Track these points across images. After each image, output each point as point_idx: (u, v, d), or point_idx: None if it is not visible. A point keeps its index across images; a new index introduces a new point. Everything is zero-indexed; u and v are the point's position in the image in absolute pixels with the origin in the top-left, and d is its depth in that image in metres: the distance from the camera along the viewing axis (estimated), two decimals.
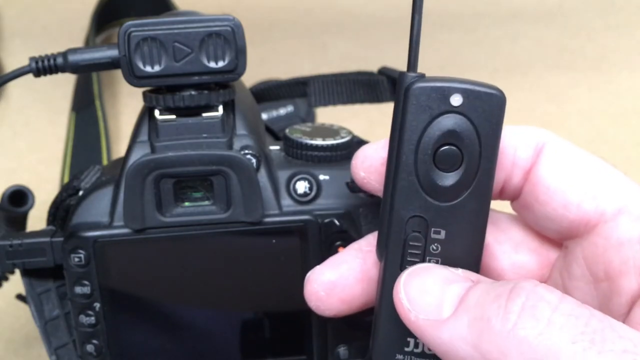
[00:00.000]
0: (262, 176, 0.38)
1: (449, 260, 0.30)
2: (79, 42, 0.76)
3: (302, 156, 0.39)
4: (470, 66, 0.77)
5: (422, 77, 0.29)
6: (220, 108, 0.38)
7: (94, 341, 0.39)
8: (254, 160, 0.37)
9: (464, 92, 0.29)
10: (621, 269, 0.29)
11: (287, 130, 0.41)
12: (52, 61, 0.39)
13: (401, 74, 0.30)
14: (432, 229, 0.30)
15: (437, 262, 0.30)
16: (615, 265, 0.29)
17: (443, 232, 0.30)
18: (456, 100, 0.29)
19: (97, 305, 0.39)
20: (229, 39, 0.36)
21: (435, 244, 0.30)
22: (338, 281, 0.32)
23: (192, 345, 0.40)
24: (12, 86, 0.72)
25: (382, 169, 0.31)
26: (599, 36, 0.81)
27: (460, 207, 0.29)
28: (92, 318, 0.39)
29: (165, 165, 0.36)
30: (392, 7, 0.85)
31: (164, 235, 0.38)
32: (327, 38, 0.79)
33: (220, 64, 0.36)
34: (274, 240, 0.38)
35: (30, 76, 0.40)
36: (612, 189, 0.30)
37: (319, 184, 0.39)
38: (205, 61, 0.36)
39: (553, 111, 0.72)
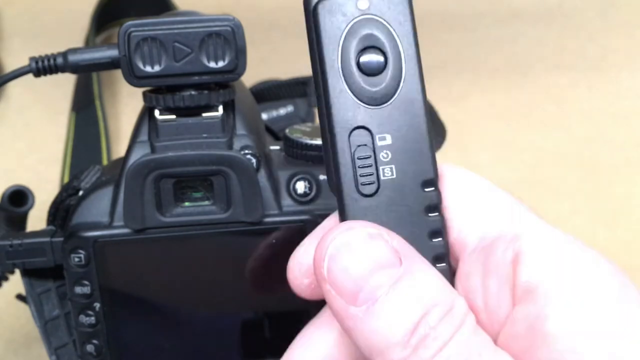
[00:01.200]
0: (262, 176, 0.38)
1: (402, 165, 0.29)
2: (79, 42, 0.76)
3: (302, 156, 0.39)
4: (470, 66, 0.77)
5: None
6: (220, 108, 0.38)
7: (94, 341, 0.39)
8: (254, 160, 0.37)
9: None
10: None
11: (287, 130, 0.41)
12: (52, 61, 0.39)
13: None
14: (377, 137, 0.29)
15: (391, 171, 0.29)
16: (493, 290, 0.28)
17: (389, 137, 0.29)
18: (363, 4, 0.29)
19: (97, 305, 0.39)
20: (229, 39, 0.36)
21: (385, 152, 0.29)
22: None
23: (192, 345, 0.40)
24: (12, 86, 0.72)
25: None
26: (599, 36, 0.81)
27: (397, 106, 0.29)
28: (92, 318, 0.39)
29: (165, 165, 0.37)
30: None
31: (164, 235, 0.38)
32: None
33: (220, 64, 0.37)
34: (274, 240, 0.38)
35: (30, 76, 0.40)
36: (493, 211, 0.30)
37: (318, 184, 0.39)
38: (205, 61, 0.36)
39: (553, 111, 0.72)
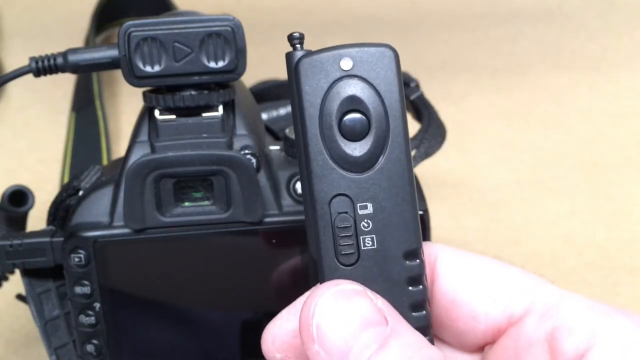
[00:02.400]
0: (262, 176, 0.38)
1: (384, 235, 0.28)
2: (79, 42, 0.76)
3: None
4: (470, 66, 0.77)
5: (309, 52, 0.28)
6: (220, 108, 0.38)
7: (94, 341, 0.39)
8: (254, 160, 0.37)
9: (352, 54, 0.28)
10: None
11: (287, 130, 0.41)
12: (52, 61, 0.39)
13: (288, 54, 0.28)
14: (358, 205, 0.28)
15: (372, 241, 0.28)
16: None
17: (370, 206, 0.28)
18: (346, 64, 0.28)
19: (97, 305, 0.39)
20: (229, 39, 0.36)
21: (365, 221, 0.28)
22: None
23: (192, 344, 0.40)
24: (12, 86, 0.72)
25: (296, 342, 0.29)
26: (599, 36, 0.81)
27: (380, 174, 0.28)
28: (92, 318, 0.39)
29: (165, 165, 0.37)
30: (392, 7, 0.85)
31: (164, 235, 0.38)
32: (327, 38, 0.79)
33: (220, 64, 0.37)
34: (274, 240, 0.38)
35: (30, 76, 0.40)
36: (515, 289, 0.29)
37: None
38: (205, 61, 0.36)
39: (553, 111, 0.72)
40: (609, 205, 0.62)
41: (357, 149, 0.28)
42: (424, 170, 0.48)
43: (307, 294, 0.28)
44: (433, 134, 0.49)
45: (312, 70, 0.28)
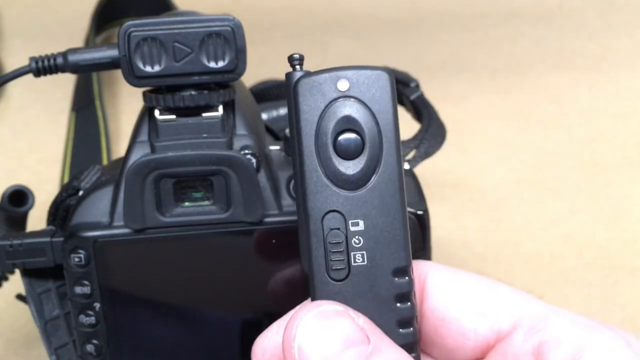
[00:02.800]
0: (262, 176, 0.38)
1: (374, 252, 0.29)
2: (79, 42, 0.76)
3: None
4: (470, 66, 0.77)
5: (308, 73, 0.29)
6: (220, 108, 0.38)
7: (94, 341, 0.39)
8: (254, 160, 0.37)
9: (349, 76, 0.29)
10: None
11: (287, 130, 0.41)
12: (52, 61, 0.39)
13: (287, 74, 0.29)
14: (350, 222, 0.29)
15: (362, 257, 0.29)
16: None
17: (362, 223, 0.29)
18: (343, 85, 0.29)
19: (97, 305, 0.39)
20: (229, 39, 0.36)
21: (357, 237, 0.29)
22: None
23: (192, 344, 0.40)
24: (12, 86, 0.72)
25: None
26: (599, 36, 0.81)
27: (372, 192, 0.29)
28: (92, 318, 0.39)
29: (165, 165, 0.37)
30: (392, 7, 0.85)
31: (164, 235, 0.38)
32: (328, 38, 0.79)
33: (220, 64, 0.37)
34: (274, 240, 0.38)
35: (30, 76, 0.40)
36: (502, 305, 0.29)
37: None
38: (205, 61, 0.36)
39: (553, 111, 0.72)
40: (609, 205, 0.62)
41: (350, 168, 0.29)
42: (424, 170, 0.48)
43: (295, 309, 0.29)
44: (433, 134, 0.49)
45: (310, 90, 0.29)
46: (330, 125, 0.29)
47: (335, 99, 0.29)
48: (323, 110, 0.29)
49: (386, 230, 0.29)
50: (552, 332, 0.28)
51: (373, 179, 0.29)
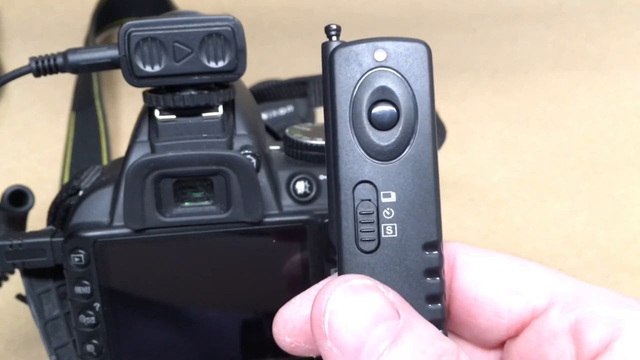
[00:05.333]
0: (262, 176, 0.38)
1: (405, 224, 0.28)
2: (79, 42, 0.76)
3: (302, 156, 0.39)
4: (470, 66, 0.77)
5: (344, 43, 0.29)
6: (220, 108, 0.38)
7: (94, 341, 0.39)
8: (254, 160, 0.37)
9: (387, 47, 0.28)
10: None
11: (287, 130, 0.41)
12: (52, 61, 0.39)
13: (324, 44, 0.29)
14: (382, 193, 0.28)
15: (393, 229, 0.28)
16: (553, 358, 0.28)
17: (393, 195, 0.28)
18: (380, 55, 0.28)
19: (97, 305, 0.39)
20: (229, 39, 0.36)
21: (388, 209, 0.28)
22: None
23: (192, 344, 0.40)
24: (12, 86, 0.72)
25: (307, 328, 0.29)
26: (599, 36, 0.81)
27: (406, 164, 0.28)
28: (92, 318, 0.39)
29: (165, 165, 0.37)
30: (392, 7, 0.85)
31: (164, 235, 0.38)
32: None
33: (220, 64, 0.37)
34: (274, 240, 0.38)
35: (30, 76, 0.40)
36: (536, 283, 0.29)
37: (318, 184, 0.39)
38: (205, 61, 0.36)
39: (553, 111, 0.72)
40: (609, 205, 0.62)
41: (384, 138, 0.28)
42: None
43: (321, 283, 0.29)
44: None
45: (346, 60, 0.28)
46: (365, 95, 0.28)
47: (372, 69, 0.28)
48: (359, 80, 0.28)
49: (418, 203, 0.28)
50: (589, 309, 0.28)
51: (407, 151, 0.28)
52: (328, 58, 0.29)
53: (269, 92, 0.56)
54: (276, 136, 0.52)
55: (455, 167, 0.65)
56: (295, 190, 0.39)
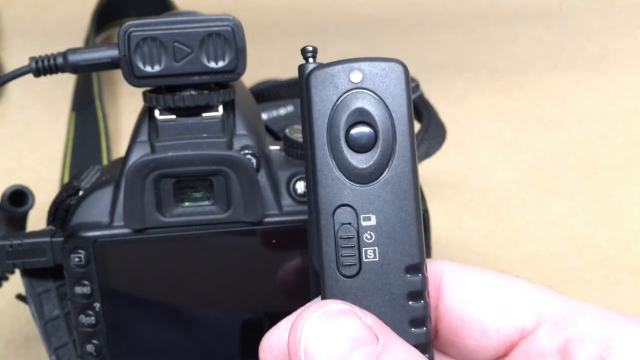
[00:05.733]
0: (262, 176, 0.38)
1: (386, 248, 0.28)
2: (79, 42, 0.76)
3: (302, 156, 0.39)
4: (470, 66, 0.77)
5: (321, 65, 0.29)
6: (220, 108, 0.38)
7: (94, 341, 0.39)
8: (254, 160, 0.37)
9: (362, 68, 0.28)
10: None
11: (287, 130, 0.41)
12: (52, 61, 0.39)
13: (300, 66, 0.29)
14: (362, 216, 0.28)
15: (374, 254, 0.28)
16: None
17: (373, 218, 0.28)
18: (356, 76, 0.28)
19: (97, 305, 0.39)
20: (229, 39, 0.36)
21: (369, 232, 0.28)
22: None
23: (192, 344, 0.40)
24: (12, 86, 0.72)
25: None
26: (599, 36, 0.81)
27: (385, 187, 0.28)
28: (92, 318, 0.39)
29: (165, 165, 0.37)
30: (392, 7, 0.85)
31: (164, 235, 0.38)
32: (327, 38, 0.79)
33: (220, 64, 0.37)
34: (274, 240, 0.38)
35: (30, 76, 0.40)
36: (524, 302, 0.29)
37: None
38: (205, 61, 0.36)
39: (553, 111, 0.72)
40: (609, 205, 0.62)
41: (363, 161, 0.28)
42: (424, 170, 0.47)
43: (301, 309, 0.28)
44: (433, 134, 0.49)
45: (322, 82, 0.28)
46: (342, 117, 0.28)
47: (348, 91, 0.28)
48: (335, 103, 0.28)
49: (398, 226, 0.28)
50: (578, 328, 0.27)
51: (386, 173, 0.28)
52: (304, 80, 0.28)
53: (269, 92, 0.56)
54: (276, 136, 0.52)
55: (455, 167, 0.65)
56: (295, 190, 0.39)
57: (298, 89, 0.29)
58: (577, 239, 0.59)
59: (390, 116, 0.28)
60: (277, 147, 0.41)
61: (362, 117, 0.28)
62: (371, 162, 0.28)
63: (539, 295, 0.29)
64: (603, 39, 0.81)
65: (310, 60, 0.29)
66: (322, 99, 0.28)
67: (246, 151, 0.38)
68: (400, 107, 0.28)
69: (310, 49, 0.29)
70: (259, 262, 0.39)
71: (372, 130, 0.28)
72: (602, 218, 0.61)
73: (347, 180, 0.28)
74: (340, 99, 0.28)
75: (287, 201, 0.38)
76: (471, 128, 0.69)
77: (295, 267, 0.39)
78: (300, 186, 0.39)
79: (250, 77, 0.43)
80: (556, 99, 0.73)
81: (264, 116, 0.54)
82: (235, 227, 0.38)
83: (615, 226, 0.60)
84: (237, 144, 0.38)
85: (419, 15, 0.84)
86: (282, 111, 0.56)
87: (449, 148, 0.53)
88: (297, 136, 0.40)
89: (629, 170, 0.65)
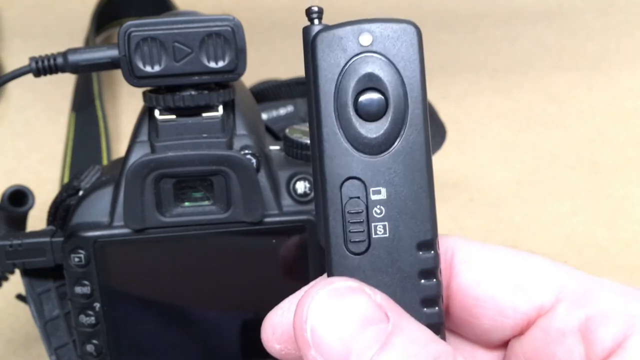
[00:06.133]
0: (262, 176, 0.38)
1: (397, 223, 0.26)
2: (79, 42, 0.76)
3: (302, 156, 0.39)
4: (470, 66, 0.77)
5: (327, 27, 0.27)
6: (220, 108, 0.38)
7: (94, 341, 0.39)
8: (254, 160, 0.37)
9: (373, 30, 0.26)
10: None
11: (287, 130, 0.41)
12: (52, 61, 0.39)
13: (305, 28, 0.27)
14: (371, 189, 0.26)
15: (384, 229, 0.26)
16: (561, 358, 0.27)
17: (384, 191, 0.26)
18: (366, 39, 0.26)
19: (97, 305, 0.39)
20: (229, 39, 0.36)
21: (378, 207, 0.26)
22: None
23: (192, 344, 0.40)
24: (12, 86, 0.72)
25: None
26: (599, 36, 0.81)
27: (396, 158, 0.26)
28: (92, 318, 0.39)
29: (165, 165, 0.37)
30: (392, 7, 0.85)
31: (164, 235, 0.38)
32: (309, 21, 0.79)
33: (220, 64, 0.37)
34: (274, 240, 0.38)
35: (30, 76, 0.40)
36: (542, 278, 0.27)
37: None
38: (205, 61, 0.36)
39: (553, 111, 0.72)
40: (609, 205, 0.62)
41: (372, 130, 0.26)
42: None
43: (307, 286, 0.26)
44: (433, 134, 0.49)
45: (329, 45, 0.26)
46: (351, 83, 0.26)
47: (357, 55, 0.26)
48: (343, 67, 0.26)
49: (410, 200, 0.26)
50: (599, 305, 0.26)
51: (397, 143, 0.26)
52: (310, 44, 0.26)
53: (269, 92, 0.56)
54: (276, 136, 0.52)
55: (455, 167, 0.65)
56: (295, 190, 0.39)
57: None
58: (577, 239, 0.59)
59: (402, 82, 0.26)
60: (277, 147, 0.41)
61: (372, 82, 0.26)
62: (381, 132, 0.26)
63: (556, 271, 0.27)
64: (603, 39, 0.81)
65: (316, 21, 0.27)
66: (329, 64, 0.26)
67: (246, 151, 0.38)
68: (413, 73, 0.26)
69: (316, 9, 0.27)
70: (259, 262, 0.39)
71: (382, 97, 0.26)
72: (602, 218, 0.61)
73: (355, 151, 0.26)
74: (349, 64, 0.26)
75: (287, 201, 0.38)
76: (471, 128, 0.69)
77: (295, 266, 0.39)
78: (300, 186, 0.39)
79: (250, 77, 0.43)
80: (556, 99, 0.73)
81: (264, 116, 0.54)
82: (235, 227, 0.38)
83: (615, 226, 0.60)
84: (237, 144, 0.38)
85: (419, 15, 0.84)
86: (282, 111, 0.56)
87: (449, 148, 0.53)
88: (297, 136, 0.40)
89: (629, 170, 0.65)
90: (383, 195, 0.26)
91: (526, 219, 0.61)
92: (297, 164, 0.39)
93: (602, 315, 0.26)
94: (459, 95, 0.73)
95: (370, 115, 0.26)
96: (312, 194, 0.39)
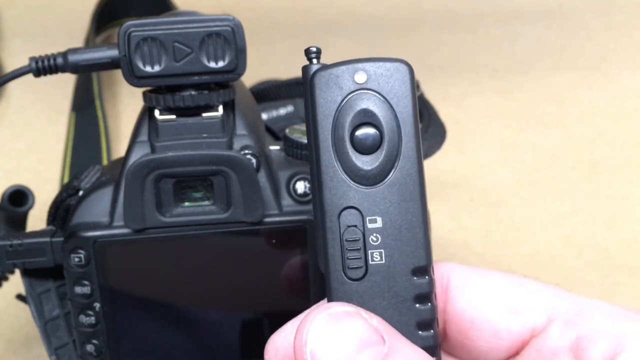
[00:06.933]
0: (262, 176, 0.38)
1: (393, 250, 0.28)
2: (79, 42, 0.76)
3: (302, 156, 0.39)
4: (470, 66, 0.77)
5: (325, 66, 0.29)
6: (220, 108, 0.38)
7: (94, 341, 0.39)
8: (254, 160, 0.37)
9: (367, 68, 0.28)
10: None
11: (287, 130, 0.41)
12: (52, 61, 0.39)
13: (304, 67, 0.29)
14: (367, 218, 0.28)
15: (380, 256, 0.28)
16: None
17: (379, 220, 0.28)
18: (360, 77, 0.28)
19: (97, 305, 0.39)
20: (229, 39, 0.36)
21: (375, 235, 0.28)
22: None
23: (192, 344, 0.40)
24: (12, 86, 0.72)
25: None
26: (599, 36, 0.81)
27: (391, 188, 0.28)
28: (92, 318, 0.39)
29: (165, 165, 0.37)
30: (392, 7, 0.85)
31: (164, 235, 0.38)
32: (327, 38, 0.79)
33: (220, 64, 0.37)
34: (274, 240, 0.38)
35: (30, 76, 0.40)
36: (534, 300, 0.29)
37: None
38: (205, 61, 0.36)
39: (553, 111, 0.72)
40: (609, 205, 0.62)
41: (368, 162, 0.28)
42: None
43: (307, 311, 0.28)
44: (433, 134, 0.49)
45: (326, 83, 0.28)
46: (347, 118, 0.28)
47: (353, 92, 0.28)
48: (340, 104, 0.28)
49: (405, 228, 0.28)
50: (590, 325, 0.27)
51: (391, 174, 0.28)
52: (308, 82, 0.28)
53: (269, 92, 0.56)
54: (276, 136, 0.52)
55: (455, 167, 0.65)
56: (295, 190, 0.39)
57: (302, 90, 0.29)
58: (577, 239, 0.59)
59: (396, 117, 0.28)
60: (277, 147, 0.41)
61: (367, 118, 0.28)
62: (377, 164, 0.28)
63: (548, 294, 0.29)
64: (603, 39, 0.81)
65: (314, 61, 0.29)
66: (327, 100, 0.28)
67: (246, 151, 0.38)
68: (405, 108, 0.28)
69: (314, 49, 0.29)
70: (259, 262, 0.39)
71: (377, 132, 0.28)
72: (602, 218, 0.61)
73: (352, 182, 0.28)
74: (345, 100, 0.28)
75: (287, 201, 0.38)
76: (471, 128, 0.69)
77: (295, 266, 0.39)
78: (300, 186, 0.39)
79: (250, 77, 0.43)
80: (556, 99, 0.73)
81: (264, 116, 0.54)
82: (235, 227, 0.38)
83: (615, 226, 0.60)
84: (237, 144, 0.38)
85: (419, 15, 0.84)
86: (282, 111, 0.56)
87: (449, 148, 0.53)
88: (297, 136, 0.40)
89: (629, 170, 0.65)
90: (379, 223, 0.28)
91: (526, 219, 0.61)
92: (297, 164, 0.39)
93: (593, 335, 0.27)
94: (459, 95, 0.73)
95: (366, 148, 0.28)
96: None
